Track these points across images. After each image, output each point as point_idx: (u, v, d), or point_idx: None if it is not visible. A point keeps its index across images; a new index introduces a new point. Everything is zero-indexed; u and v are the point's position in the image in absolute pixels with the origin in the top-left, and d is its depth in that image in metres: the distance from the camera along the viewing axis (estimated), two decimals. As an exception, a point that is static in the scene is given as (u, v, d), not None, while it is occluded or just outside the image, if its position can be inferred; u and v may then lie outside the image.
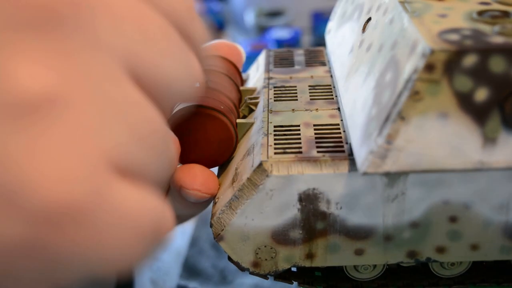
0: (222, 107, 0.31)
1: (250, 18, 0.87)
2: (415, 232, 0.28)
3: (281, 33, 0.80)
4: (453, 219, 0.27)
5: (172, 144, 0.23)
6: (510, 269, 0.31)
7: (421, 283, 0.31)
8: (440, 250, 0.28)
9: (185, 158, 0.31)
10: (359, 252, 0.28)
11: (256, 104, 0.33)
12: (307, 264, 0.29)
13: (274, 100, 0.32)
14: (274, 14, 0.87)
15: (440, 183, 0.27)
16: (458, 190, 0.27)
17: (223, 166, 0.32)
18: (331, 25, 0.38)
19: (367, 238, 0.28)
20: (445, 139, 0.24)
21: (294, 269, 0.31)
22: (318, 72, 0.36)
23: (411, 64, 0.24)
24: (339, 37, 0.35)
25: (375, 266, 0.30)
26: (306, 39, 0.85)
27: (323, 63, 0.37)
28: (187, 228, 0.47)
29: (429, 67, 0.23)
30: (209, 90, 0.32)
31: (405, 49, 0.25)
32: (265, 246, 0.28)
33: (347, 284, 0.31)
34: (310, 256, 0.28)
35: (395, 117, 0.24)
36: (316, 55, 0.38)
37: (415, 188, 0.27)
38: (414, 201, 0.27)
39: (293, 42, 0.79)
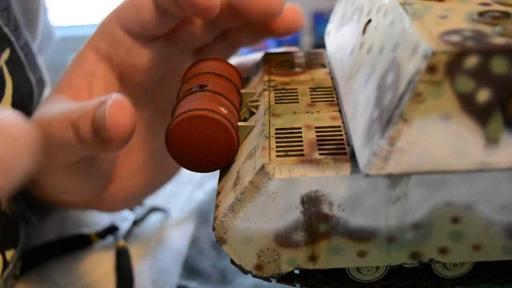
0: (223, 110, 0.31)
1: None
2: (418, 233, 0.28)
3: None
4: (455, 220, 0.27)
5: None
6: (512, 269, 0.31)
7: (424, 284, 0.31)
8: (443, 251, 0.28)
9: (186, 160, 0.31)
10: (362, 254, 0.28)
11: (257, 107, 0.33)
12: (310, 266, 0.29)
13: (275, 103, 0.32)
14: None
15: (442, 184, 0.27)
16: (460, 191, 0.27)
17: (225, 169, 0.32)
18: (331, 27, 0.38)
19: (370, 239, 0.28)
20: (448, 140, 0.24)
21: (297, 271, 0.31)
22: (319, 74, 0.36)
23: (412, 66, 0.24)
24: (339, 39, 0.35)
25: (378, 267, 0.30)
26: (307, 39, 0.86)
27: (323, 65, 0.37)
28: (187, 228, 0.47)
29: (431, 69, 0.23)
30: (210, 93, 0.32)
31: (407, 51, 0.25)
32: (268, 249, 0.28)
33: (350, 286, 0.31)
34: (313, 258, 0.28)
35: (397, 119, 0.24)
36: (316, 57, 0.38)
37: (418, 189, 0.27)
38: (417, 202, 0.27)
39: (293, 42, 0.79)
